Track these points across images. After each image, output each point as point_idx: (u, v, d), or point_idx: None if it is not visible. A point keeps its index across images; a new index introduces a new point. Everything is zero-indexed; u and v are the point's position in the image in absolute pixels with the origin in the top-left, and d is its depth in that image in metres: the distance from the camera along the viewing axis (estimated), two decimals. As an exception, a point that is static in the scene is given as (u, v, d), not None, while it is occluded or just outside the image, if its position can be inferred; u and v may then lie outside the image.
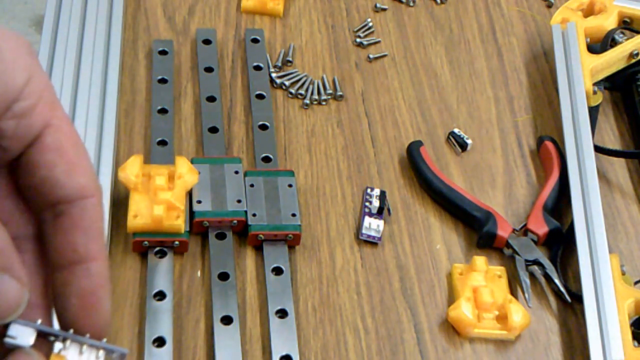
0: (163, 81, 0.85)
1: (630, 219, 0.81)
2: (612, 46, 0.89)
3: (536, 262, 0.75)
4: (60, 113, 0.38)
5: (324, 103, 0.87)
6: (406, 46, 0.94)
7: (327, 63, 0.91)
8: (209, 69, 0.87)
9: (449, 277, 0.75)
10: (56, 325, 0.39)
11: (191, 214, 0.74)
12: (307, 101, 0.87)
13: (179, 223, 0.72)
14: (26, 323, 0.37)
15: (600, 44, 0.89)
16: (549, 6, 1.00)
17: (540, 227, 0.77)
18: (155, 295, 0.70)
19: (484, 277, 0.74)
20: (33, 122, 0.37)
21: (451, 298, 0.74)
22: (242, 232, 0.75)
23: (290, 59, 0.90)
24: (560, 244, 0.77)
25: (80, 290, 0.38)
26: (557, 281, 0.74)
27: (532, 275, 0.75)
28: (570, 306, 0.74)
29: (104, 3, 0.90)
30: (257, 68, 0.88)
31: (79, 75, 0.83)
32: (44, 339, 0.38)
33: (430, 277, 0.75)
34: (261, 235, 0.74)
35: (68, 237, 0.38)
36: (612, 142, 0.88)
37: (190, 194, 0.75)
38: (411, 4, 0.98)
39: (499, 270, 0.75)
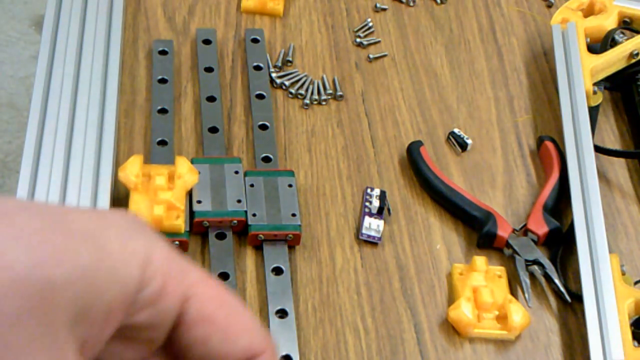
0: (163, 81, 0.85)
1: (630, 219, 0.81)
2: (612, 46, 0.89)
3: (536, 262, 0.75)
4: (193, 277, 0.33)
5: (324, 103, 0.87)
6: (406, 46, 0.94)
7: (327, 63, 0.91)
8: (209, 69, 0.87)
9: (449, 277, 0.75)
10: None
11: (191, 214, 0.74)
12: (307, 101, 0.87)
13: (179, 223, 0.72)
14: None
15: (600, 44, 0.89)
16: (549, 6, 1.00)
17: (540, 227, 0.77)
18: (155, 295, 0.70)
19: (484, 277, 0.74)
20: (167, 305, 0.32)
21: (451, 298, 0.74)
22: (242, 232, 0.75)
23: (290, 59, 0.90)
24: (560, 244, 0.77)
25: None
26: (557, 281, 0.74)
27: (532, 275, 0.75)
28: (570, 306, 0.74)
29: (104, 3, 0.90)
30: (257, 68, 0.88)
31: (79, 75, 0.83)
32: None
33: (430, 277, 0.75)
34: (261, 235, 0.74)
35: None
36: (612, 142, 0.88)
37: (190, 194, 0.75)
38: (411, 4, 0.98)
39: (499, 270, 0.75)
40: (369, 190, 0.79)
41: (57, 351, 0.28)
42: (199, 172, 0.75)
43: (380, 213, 0.77)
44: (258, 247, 0.75)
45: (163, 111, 0.83)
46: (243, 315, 0.33)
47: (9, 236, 0.28)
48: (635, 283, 0.74)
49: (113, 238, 0.31)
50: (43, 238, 0.28)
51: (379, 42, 0.94)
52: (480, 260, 0.74)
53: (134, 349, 0.33)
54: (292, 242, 0.75)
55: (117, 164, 0.77)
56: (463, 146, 0.85)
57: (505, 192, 0.82)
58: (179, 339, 0.33)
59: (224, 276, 0.71)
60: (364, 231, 0.76)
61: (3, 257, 0.27)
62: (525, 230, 0.77)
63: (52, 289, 0.28)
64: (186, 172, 0.74)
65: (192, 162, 0.76)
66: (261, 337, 0.33)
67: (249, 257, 0.74)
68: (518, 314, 0.71)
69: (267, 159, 0.80)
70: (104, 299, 0.30)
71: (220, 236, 0.74)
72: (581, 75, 0.86)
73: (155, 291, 0.31)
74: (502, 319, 0.72)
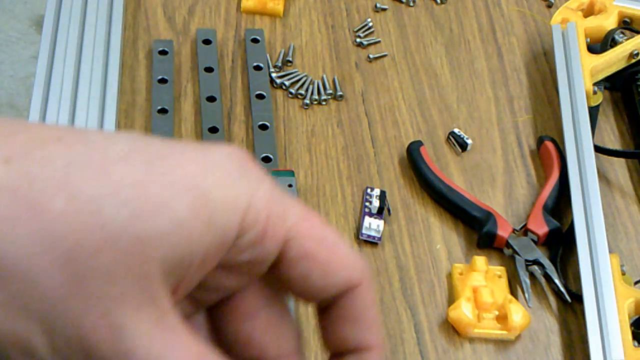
0: (163, 81, 0.85)
1: (630, 219, 0.81)
2: (612, 46, 0.89)
3: (536, 262, 0.75)
4: (294, 217, 0.33)
5: (324, 103, 0.87)
6: (406, 46, 0.94)
7: (327, 63, 0.91)
8: (209, 69, 0.87)
9: (449, 277, 0.75)
10: None
11: (191, 214, 0.74)
12: (307, 101, 0.87)
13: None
14: None
15: (600, 44, 0.89)
16: (549, 6, 1.00)
17: (540, 227, 0.77)
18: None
19: (484, 277, 0.74)
20: (267, 248, 0.32)
21: (451, 298, 0.74)
22: (242, 232, 0.75)
23: (290, 59, 0.90)
24: (560, 244, 0.77)
25: None
26: (557, 281, 0.74)
27: (532, 275, 0.75)
28: (570, 306, 0.74)
29: (104, 3, 0.90)
30: (257, 68, 0.88)
31: (79, 75, 0.83)
32: None
33: (430, 277, 0.75)
34: (261, 235, 0.74)
35: (337, 329, 0.35)
36: (612, 142, 0.88)
37: (190, 194, 0.75)
38: (411, 4, 0.98)
39: (499, 270, 0.75)
40: (369, 190, 0.79)
41: (151, 300, 0.29)
42: (199, 172, 0.75)
43: (380, 213, 0.77)
44: (258, 247, 0.75)
45: (163, 111, 0.83)
46: (341, 250, 0.34)
47: (105, 191, 0.28)
48: (635, 283, 0.74)
49: (215, 184, 0.31)
50: (140, 192, 0.29)
51: (379, 42, 0.94)
52: (480, 260, 0.74)
53: (234, 278, 0.33)
54: (292, 242, 0.75)
55: (117, 164, 0.77)
56: (463, 146, 0.85)
57: (505, 192, 0.82)
58: (279, 272, 0.33)
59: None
60: (364, 231, 0.76)
61: (98, 214, 0.28)
62: (525, 230, 0.77)
63: (146, 244, 0.28)
64: (186, 172, 0.74)
65: (192, 162, 0.76)
66: (358, 270, 0.34)
67: (249, 257, 0.74)
68: (518, 314, 0.71)
69: (267, 159, 0.80)
70: (200, 248, 0.30)
71: (220, 236, 0.74)
72: (581, 75, 0.86)
73: (255, 236, 0.32)
74: (502, 319, 0.72)
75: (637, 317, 0.71)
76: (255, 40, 0.91)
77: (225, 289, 0.34)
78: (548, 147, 0.84)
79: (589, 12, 0.93)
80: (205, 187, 0.30)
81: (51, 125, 0.32)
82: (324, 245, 0.33)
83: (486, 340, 0.72)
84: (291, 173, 0.78)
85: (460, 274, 0.74)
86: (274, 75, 0.88)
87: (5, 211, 0.27)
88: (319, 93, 0.88)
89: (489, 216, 0.77)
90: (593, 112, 0.85)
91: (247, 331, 0.35)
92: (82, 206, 0.28)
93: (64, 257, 0.28)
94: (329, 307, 0.35)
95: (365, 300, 0.34)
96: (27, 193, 0.28)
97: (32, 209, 0.28)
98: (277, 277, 0.34)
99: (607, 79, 0.89)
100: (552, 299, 0.75)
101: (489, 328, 0.72)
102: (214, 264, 0.32)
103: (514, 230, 0.77)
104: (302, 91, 0.87)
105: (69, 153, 0.29)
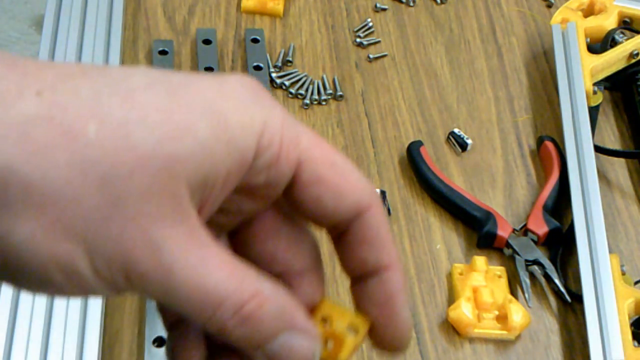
0: (163, 81, 0.85)
1: (630, 219, 0.81)
2: (612, 46, 0.89)
3: (536, 262, 0.75)
4: (306, 141, 0.35)
5: (324, 103, 0.87)
6: (406, 46, 0.94)
7: (327, 63, 0.91)
8: (209, 69, 0.87)
9: (449, 277, 0.75)
10: None
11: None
12: (307, 101, 0.87)
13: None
14: None
15: (600, 44, 0.89)
16: (549, 6, 1.00)
17: (540, 227, 0.77)
18: (155, 295, 0.69)
19: (484, 277, 0.74)
20: (282, 170, 0.34)
21: (451, 298, 0.74)
22: (242, 232, 0.75)
23: (290, 59, 0.90)
24: (560, 244, 0.77)
25: (375, 301, 0.37)
26: (557, 281, 0.74)
27: (532, 275, 0.75)
28: (570, 306, 0.74)
29: (104, 3, 0.90)
30: (257, 68, 0.88)
31: (79, 75, 0.83)
32: None
33: (430, 277, 0.75)
34: (261, 235, 0.74)
35: (354, 253, 0.36)
36: (612, 142, 0.88)
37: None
38: (411, 4, 0.98)
39: (499, 270, 0.75)
40: (369, 190, 0.79)
41: (183, 217, 0.31)
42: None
43: (380, 213, 0.77)
44: (258, 247, 0.75)
45: (163, 111, 0.83)
46: (351, 175, 0.36)
47: (133, 117, 0.30)
48: (635, 283, 0.74)
49: (232, 109, 0.33)
50: (165, 116, 0.31)
51: (379, 42, 0.94)
52: (480, 260, 0.74)
53: (251, 202, 0.35)
54: (292, 242, 0.75)
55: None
56: (463, 146, 0.85)
57: (505, 192, 0.82)
58: (293, 195, 0.35)
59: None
60: (364, 231, 0.76)
61: (128, 138, 0.30)
62: (525, 230, 0.77)
63: (174, 164, 0.30)
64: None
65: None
66: (367, 194, 0.36)
67: (249, 257, 0.74)
68: (518, 314, 0.71)
69: (267, 159, 0.80)
70: (222, 168, 0.32)
71: (220, 236, 0.74)
72: (581, 75, 0.86)
73: (271, 158, 0.34)
74: (502, 319, 0.72)
75: (637, 317, 0.71)
76: (255, 40, 0.91)
77: (244, 213, 0.36)
78: (548, 147, 0.84)
79: (589, 12, 0.93)
80: (224, 111, 0.32)
81: (75, 63, 0.33)
82: (334, 169, 0.35)
83: (486, 340, 0.72)
84: (291, 173, 0.78)
85: (460, 274, 0.74)
86: (274, 75, 0.88)
87: (42, 139, 0.29)
88: (319, 93, 0.88)
89: (489, 216, 0.77)
90: (593, 112, 0.85)
91: (271, 250, 0.37)
92: (113, 131, 0.30)
93: (100, 180, 0.29)
94: (343, 235, 0.36)
95: (377, 222, 0.36)
96: (61, 121, 0.29)
97: (67, 136, 0.29)
98: (291, 201, 0.35)
99: (607, 79, 0.89)
100: (552, 299, 0.75)
101: (489, 328, 0.72)
102: (234, 185, 0.33)
103: (514, 230, 0.77)
104: (302, 91, 0.87)
105: (95, 84, 0.30)
